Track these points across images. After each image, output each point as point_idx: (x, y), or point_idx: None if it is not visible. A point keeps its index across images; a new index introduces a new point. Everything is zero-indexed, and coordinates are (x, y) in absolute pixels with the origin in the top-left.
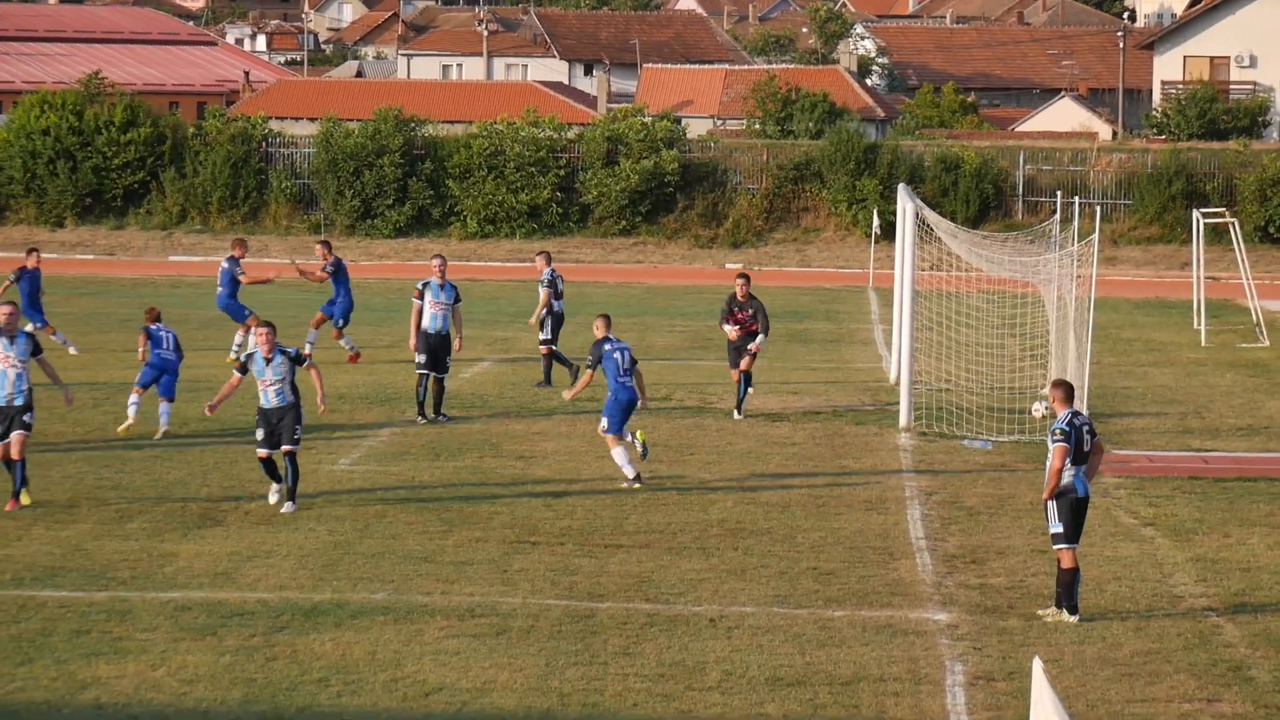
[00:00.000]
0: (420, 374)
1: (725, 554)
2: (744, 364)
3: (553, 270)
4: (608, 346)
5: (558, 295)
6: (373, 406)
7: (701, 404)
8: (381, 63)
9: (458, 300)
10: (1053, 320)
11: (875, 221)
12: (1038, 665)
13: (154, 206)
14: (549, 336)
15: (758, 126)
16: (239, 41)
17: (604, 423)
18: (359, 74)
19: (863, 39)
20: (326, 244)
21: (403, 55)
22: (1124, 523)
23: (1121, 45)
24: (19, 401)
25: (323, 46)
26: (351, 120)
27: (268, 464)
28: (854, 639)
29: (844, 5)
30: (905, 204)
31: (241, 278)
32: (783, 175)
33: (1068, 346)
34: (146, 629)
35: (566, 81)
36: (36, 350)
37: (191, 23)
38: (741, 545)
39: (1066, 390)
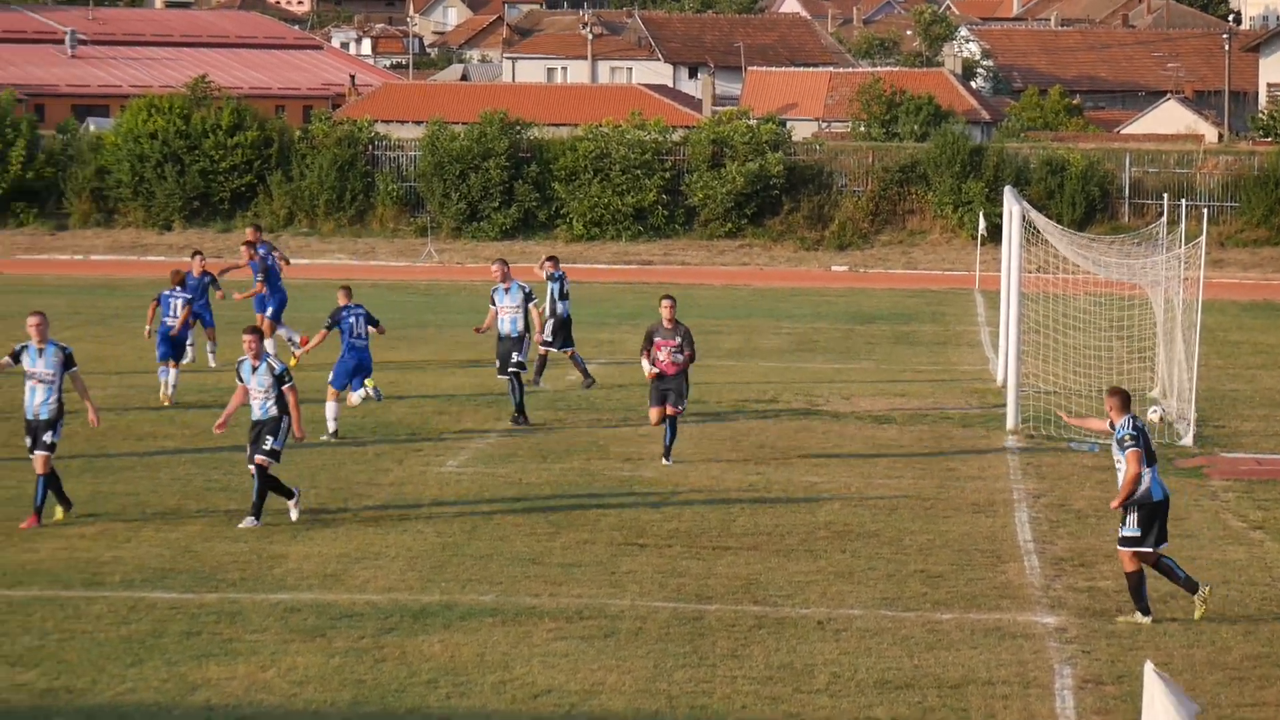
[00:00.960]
0: (503, 378)
1: (833, 556)
2: (672, 409)
3: (561, 273)
4: (344, 312)
5: (563, 296)
6: (480, 409)
7: (808, 406)
8: (486, 66)
9: (529, 299)
10: (1160, 323)
11: (981, 224)
12: (1149, 669)
13: (261, 209)
14: (549, 339)
15: (863, 129)
16: (344, 45)
17: (330, 376)
18: (464, 77)
19: (967, 42)
20: (257, 227)
21: (508, 58)
22: (1232, 526)
23: (1227, 48)
24: (44, 415)
25: (428, 50)
26: (457, 123)
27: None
28: (962, 642)
29: (948, 8)
30: (1011, 206)
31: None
32: (888, 178)
33: (1175, 349)
34: (256, 630)
35: (671, 84)
36: (69, 364)
37: (297, 27)
38: (849, 548)
39: (1123, 398)
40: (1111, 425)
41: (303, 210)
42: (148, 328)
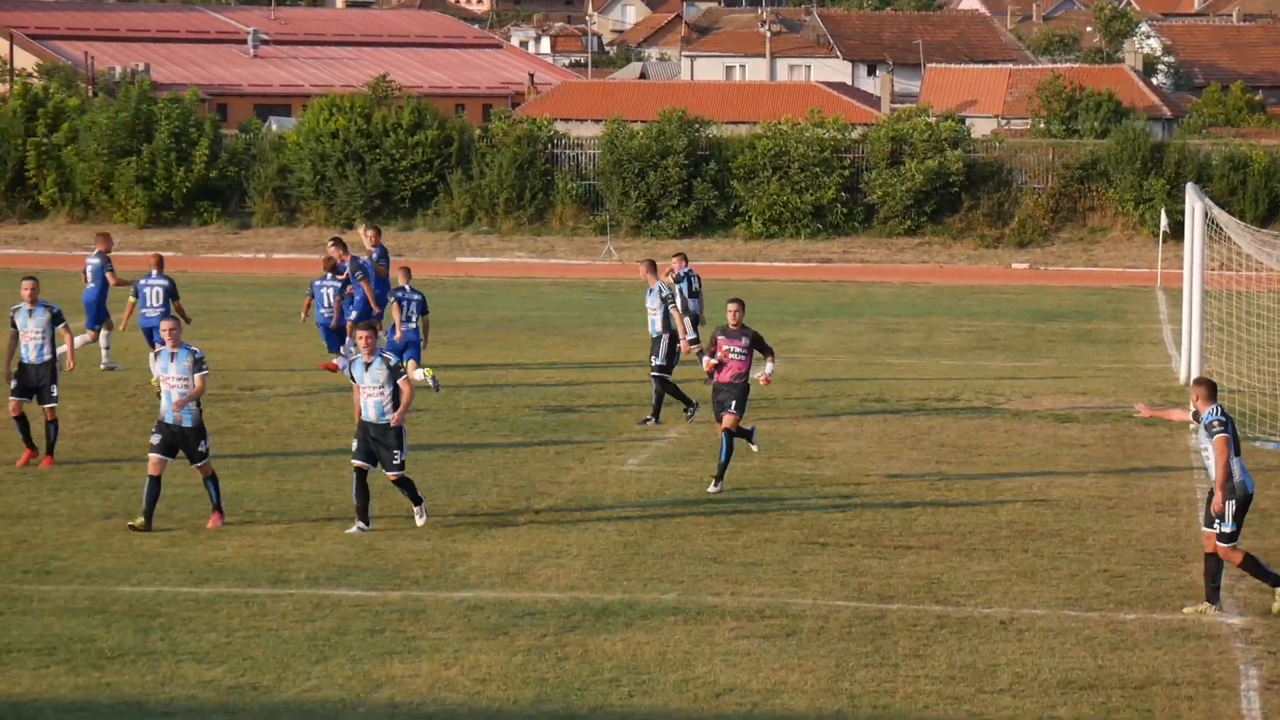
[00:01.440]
0: (651, 376)
1: (1015, 556)
2: (729, 418)
3: (688, 270)
4: (399, 295)
5: (693, 294)
6: (664, 407)
7: (989, 404)
8: (665, 64)
9: (666, 301)
10: None
11: (1163, 221)
12: None
13: (441, 208)
14: (695, 337)
15: (1042, 126)
16: (523, 44)
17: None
18: (643, 75)
19: (1148, 37)
20: (338, 242)
21: (686, 57)
22: None
23: None
24: (187, 423)
25: (606, 48)
26: (636, 121)
27: (360, 479)
28: (1146, 642)
29: (1129, 4)
30: (1194, 203)
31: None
32: (1068, 175)
33: None
34: (439, 628)
35: (850, 82)
36: (199, 366)
37: (476, 26)
38: (1032, 547)
39: (1210, 388)
40: (1196, 416)
41: (482, 209)
42: (303, 315)
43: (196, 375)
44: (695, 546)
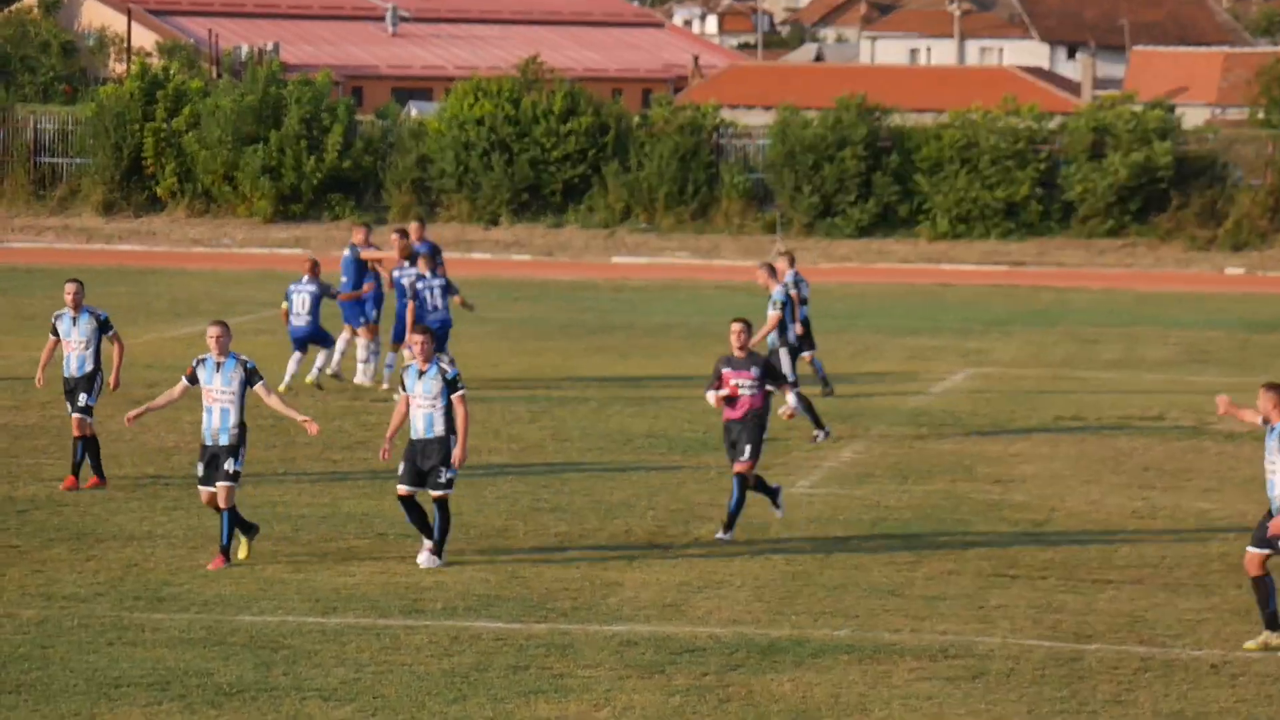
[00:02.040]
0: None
1: (1227, 592)
2: (741, 465)
3: (796, 273)
4: (420, 284)
5: (802, 301)
6: (835, 424)
7: (1198, 424)
8: (843, 46)
9: (779, 304)
10: None
11: None
12: None
13: (595, 203)
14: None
15: (1261, 115)
16: (688, 23)
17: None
18: (818, 58)
19: None
20: (421, 221)
21: (866, 38)
22: None
23: None
24: (224, 441)
25: (778, 28)
26: (810, 109)
27: (408, 505)
28: None
29: None
30: None
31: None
32: None
33: None
34: (589, 665)
35: (1047, 66)
36: (251, 379)
37: (637, 2)
38: (1246, 583)
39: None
40: (1266, 423)
41: (640, 204)
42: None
43: (258, 386)
44: (871, 578)
